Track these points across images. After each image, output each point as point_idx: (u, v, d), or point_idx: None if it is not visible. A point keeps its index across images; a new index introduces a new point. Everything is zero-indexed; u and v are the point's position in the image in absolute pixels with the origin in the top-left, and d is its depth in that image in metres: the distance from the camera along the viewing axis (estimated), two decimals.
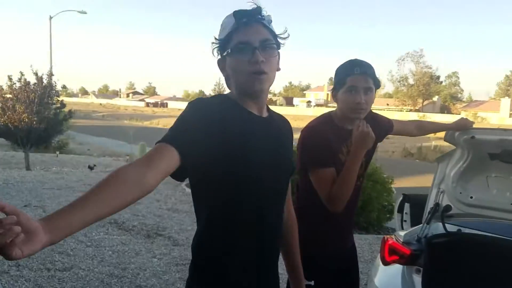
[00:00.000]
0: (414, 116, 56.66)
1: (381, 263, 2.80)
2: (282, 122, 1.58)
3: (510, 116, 59.39)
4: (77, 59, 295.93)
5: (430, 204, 2.85)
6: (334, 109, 2.22)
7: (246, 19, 1.35)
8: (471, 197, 2.69)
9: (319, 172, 2.07)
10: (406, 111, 67.47)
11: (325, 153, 2.05)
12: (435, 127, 2.64)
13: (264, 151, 1.39)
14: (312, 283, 2.14)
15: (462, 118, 2.65)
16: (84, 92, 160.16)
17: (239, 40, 1.34)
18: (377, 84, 2.08)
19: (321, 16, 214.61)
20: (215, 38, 1.41)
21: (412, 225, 3.65)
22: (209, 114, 1.30)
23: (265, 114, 1.47)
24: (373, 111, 2.30)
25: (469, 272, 2.68)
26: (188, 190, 8.88)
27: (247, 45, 1.34)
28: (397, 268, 2.64)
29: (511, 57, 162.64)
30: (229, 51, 1.36)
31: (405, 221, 3.79)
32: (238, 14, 1.36)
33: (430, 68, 74.03)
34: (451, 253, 2.70)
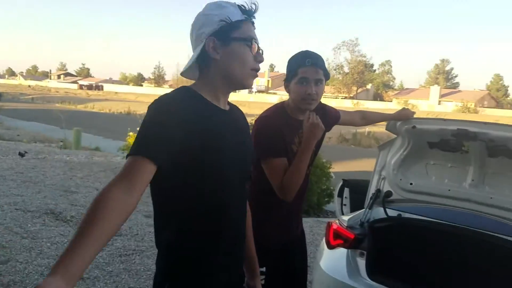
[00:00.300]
0: (349, 103, 58.72)
1: (326, 247, 2.89)
2: (239, 114, 1.61)
3: (439, 103, 63.07)
4: (2, 38, 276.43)
5: (372, 190, 2.98)
6: (286, 99, 2.26)
7: (251, 17, 1.43)
8: (411, 184, 2.84)
9: (272, 162, 2.10)
10: (341, 98, 69.68)
11: (279, 143, 2.09)
12: (379, 117, 2.75)
13: (233, 144, 1.42)
14: (264, 269, 2.18)
15: (403, 108, 2.78)
16: (11, 73, 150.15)
17: (250, 35, 1.41)
18: (327, 76, 2.14)
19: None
20: (228, 17, 1.39)
21: (352, 209, 3.81)
22: (177, 114, 1.29)
23: (227, 107, 1.49)
24: (321, 101, 2.36)
25: (409, 254, 2.85)
26: None
27: (256, 42, 1.42)
28: (341, 251, 2.74)
29: (440, 47, 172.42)
30: (247, 40, 1.40)
31: (345, 205, 3.94)
32: (245, 11, 1.41)
33: (365, 56, 76.83)
34: (392, 237, 2.84)
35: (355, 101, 62.38)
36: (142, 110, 36.11)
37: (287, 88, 2.19)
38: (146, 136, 1.25)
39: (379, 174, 2.96)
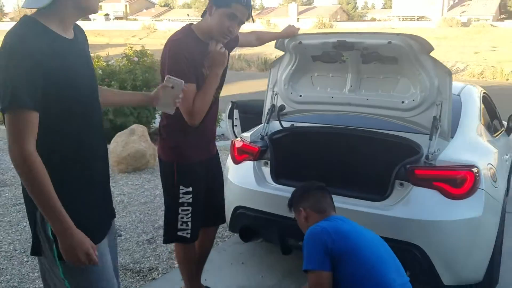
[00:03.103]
0: None
1: (232, 163, 3.14)
2: (82, 37, 1.62)
3: (297, 21, 65.42)
4: None
5: (267, 106, 3.24)
6: (195, 22, 2.31)
7: None
8: (300, 96, 3.14)
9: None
10: None
11: (190, 69, 2.17)
12: (270, 36, 2.93)
13: (85, 73, 1.53)
14: (191, 189, 2.35)
15: (289, 25, 2.98)
16: None
17: None
18: (248, 18, 2.24)
19: None
20: None
21: (242, 128, 4.11)
22: (34, 56, 1.33)
23: (72, 34, 1.52)
24: None
25: (304, 156, 3.23)
26: None
27: None
28: (247, 164, 3.02)
29: None
30: None
31: (236, 126, 4.21)
32: None
33: None
34: (288, 144, 3.18)
35: None
36: None
37: (210, 10, 2.20)
38: (22, 84, 1.30)
39: (272, 91, 3.20)
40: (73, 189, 1.50)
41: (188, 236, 2.43)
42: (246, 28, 2.60)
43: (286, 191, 2.80)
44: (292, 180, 2.89)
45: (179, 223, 2.40)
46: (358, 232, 2.01)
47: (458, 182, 2.51)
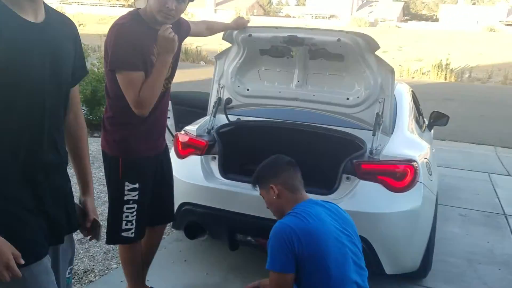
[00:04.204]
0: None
1: (175, 157, 3.01)
2: (58, 24, 1.40)
3: (215, 12, 65.06)
4: None
5: (213, 99, 3.15)
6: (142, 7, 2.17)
7: None
8: (248, 89, 3.10)
9: (128, 75, 2.04)
10: (120, 7, 65.51)
11: (136, 55, 2.02)
12: (220, 27, 2.83)
13: (35, 64, 1.27)
14: (137, 185, 2.21)
15: (239, 17, 2.92)
16: None
17: None
18: None
19: None
20: None
21: (175, 120, 3.98)
22: None
23: (39, 17, 1.30)
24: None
25: (252, 150, 3.20)
26: None
27: None
28: (194, 159, 2.92)
29: None
30: None
31: (169, 117, 4.07)
32: None
33: None
34: (236, 138, 3.13)
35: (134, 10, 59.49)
36: None
37: None
38: None
39: (218, 83, 3.12)
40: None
41: (133, 236, 2.30)
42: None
43: (235, 186, 2.77)
44: (241, 175, 2.85)
45: (124, 222, 2.26)
46: (326, 228, 1.89)
47: (400, 175, 2.63)
